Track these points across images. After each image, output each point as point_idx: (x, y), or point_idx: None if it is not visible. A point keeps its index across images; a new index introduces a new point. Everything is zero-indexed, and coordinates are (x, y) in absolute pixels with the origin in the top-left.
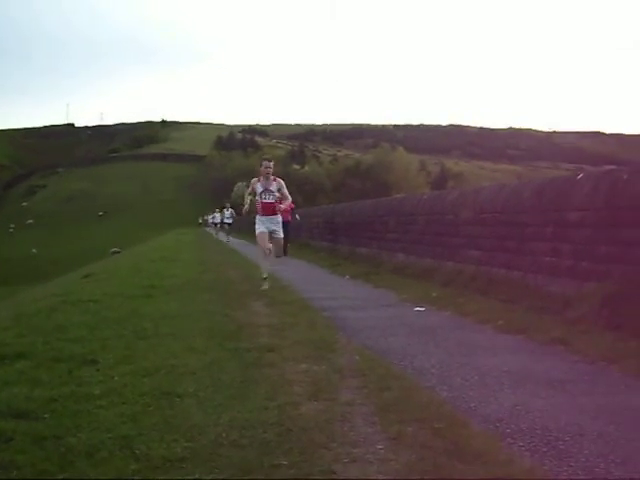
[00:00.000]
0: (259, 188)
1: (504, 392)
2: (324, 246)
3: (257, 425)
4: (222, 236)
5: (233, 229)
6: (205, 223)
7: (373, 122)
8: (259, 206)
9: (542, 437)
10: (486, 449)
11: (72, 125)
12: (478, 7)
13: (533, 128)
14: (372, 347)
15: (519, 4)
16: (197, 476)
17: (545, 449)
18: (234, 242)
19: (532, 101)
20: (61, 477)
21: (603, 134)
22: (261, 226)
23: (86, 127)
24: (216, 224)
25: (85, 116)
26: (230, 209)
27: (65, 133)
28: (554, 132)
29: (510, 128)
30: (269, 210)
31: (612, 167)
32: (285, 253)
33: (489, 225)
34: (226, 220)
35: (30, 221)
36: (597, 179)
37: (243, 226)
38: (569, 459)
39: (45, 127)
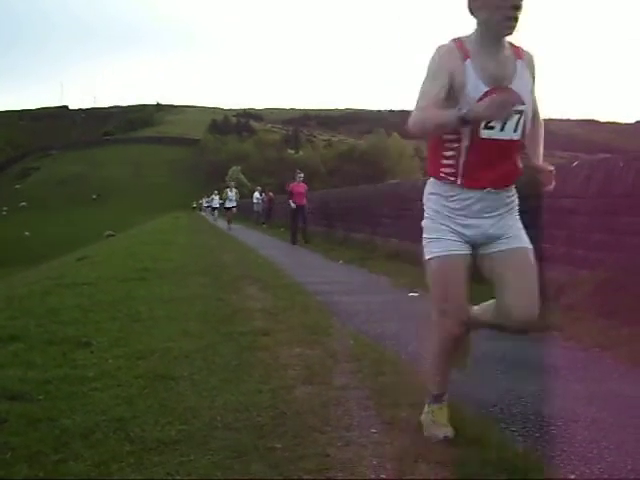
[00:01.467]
0: (480, 85)
1: (498, 377)
2: (318, 231)
3: (251, 408)
4: (221, 223)
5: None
6: (200, 207)
7: (368, 107)
8: (467, 151)
9: (535, 422)
10: (480, 434)
11: (66, 107)
12: None
13: None
14: (366, 332)
15: None
16: (191, 458)
17: (538, 434)
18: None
19: None
20: (56, 458)
21: (598, 122)
22: (447, 228)
23: (80, 109)
24: (214, 208)
25: (79, 98)
26: (235, 189)
27: (59, 115)
28: (549, 120)
29: None
30: (501, 167)
31: (607, 155)
32: (295, 242)
33: None
34: (229, 204)
35: (23, 203)
36: (592, 167)
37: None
38: (562, 444)
39: (39, 109)
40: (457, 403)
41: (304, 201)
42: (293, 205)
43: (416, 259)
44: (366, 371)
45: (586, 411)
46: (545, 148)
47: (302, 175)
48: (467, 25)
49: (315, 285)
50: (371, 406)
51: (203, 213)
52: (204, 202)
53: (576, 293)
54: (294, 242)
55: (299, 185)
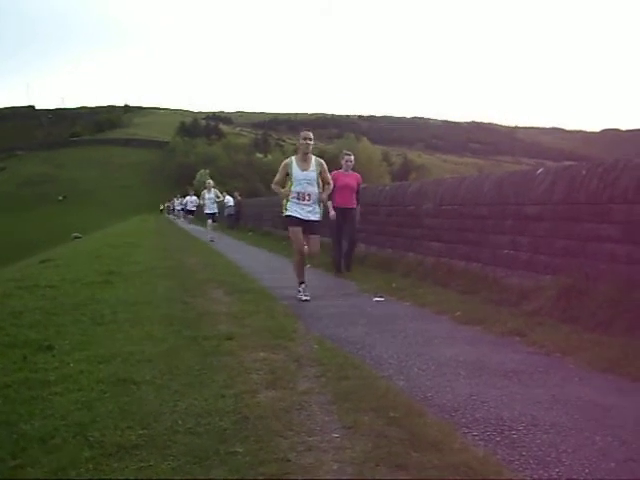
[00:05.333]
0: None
1: (460, 382)
2: (286, 235)
3: (213, 413)
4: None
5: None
6: (168, 210)
7: (338, 112)
8: None
9: (496, 427)
10: (441, 438)
11: (32, 107)
12: (446, 2)
13: (496, 123)
14: (331, 336)
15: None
16: (151, 463)
17: (499, 438)
18: (190, 228)
19: (495, 96)
20: (13, 464)
21: (564, 130)
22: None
23: (47, 110)
24: (191, 211)
25: (46, 99)
26: (213, 189)
27: (25, 115)
28: (516, 127)
29: (473, 122)
30: None
31: (571, 163)
32: (348, 268)
33: (449, 217)
34: (228, 210)
35: None
36: (556, 174)
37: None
38: (522, 448)
39: (5, 109)
40: (419, 407)
41: (353, 202)
42: (332, 213)
43: (383, 264)
44: (329, 375)
45: (546, 415)
46: (511, 155)
47: (352, 159)
48: (440, 29)
49: (281, 289)
50: (334, 410)
51: (171, 216)
52: (176, 204)
53: (539, 299)
54: (339, 269)
55: (347, 175)
